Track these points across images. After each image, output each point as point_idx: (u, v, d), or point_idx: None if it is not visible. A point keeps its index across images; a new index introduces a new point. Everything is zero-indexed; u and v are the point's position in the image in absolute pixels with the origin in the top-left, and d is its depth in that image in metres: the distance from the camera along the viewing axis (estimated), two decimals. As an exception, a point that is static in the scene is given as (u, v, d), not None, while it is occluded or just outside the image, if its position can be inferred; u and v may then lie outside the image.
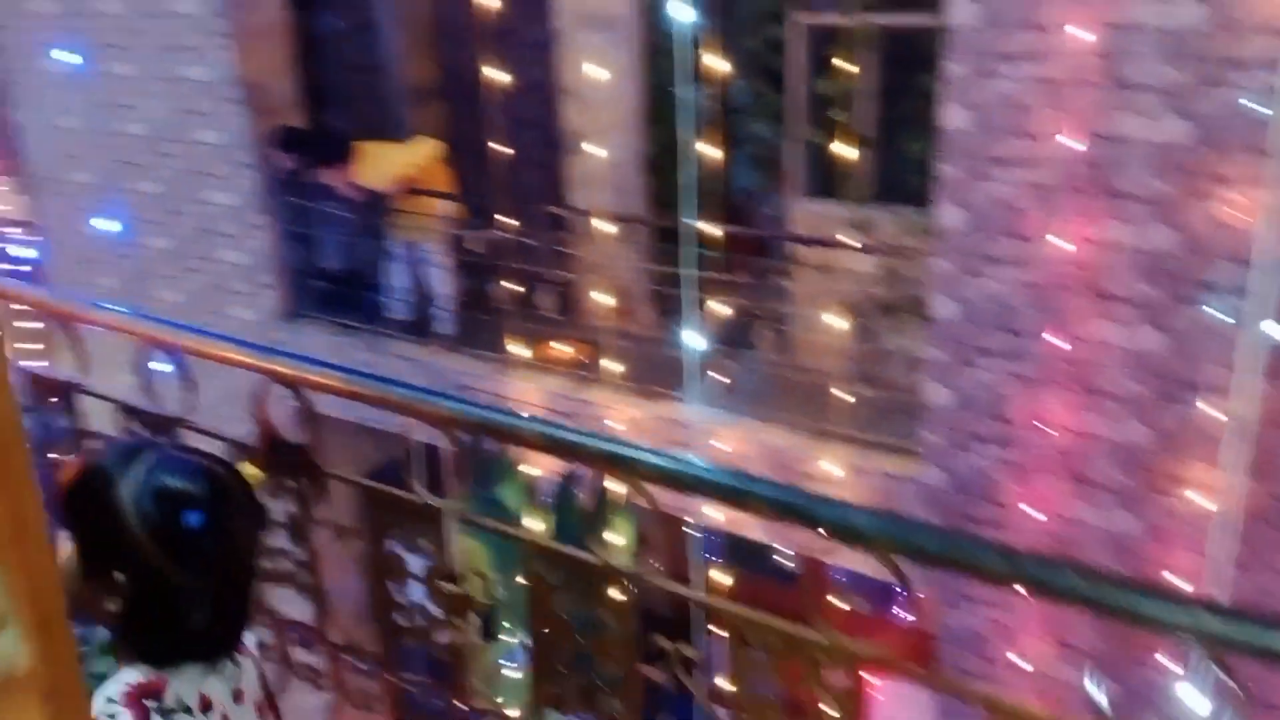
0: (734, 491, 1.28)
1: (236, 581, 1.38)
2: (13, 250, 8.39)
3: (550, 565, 1.53)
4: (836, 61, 5.16)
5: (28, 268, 8.11)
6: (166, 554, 1.28)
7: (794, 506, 1.23)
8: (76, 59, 6.81)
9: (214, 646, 1.36)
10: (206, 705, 1.34)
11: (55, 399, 2.04)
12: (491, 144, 5.35)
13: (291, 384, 1.68)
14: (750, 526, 5.02)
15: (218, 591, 1.33)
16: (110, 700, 1.26)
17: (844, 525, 1.19)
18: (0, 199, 8.04)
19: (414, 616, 1.80)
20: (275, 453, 1.77)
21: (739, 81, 6.15)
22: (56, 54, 6.89)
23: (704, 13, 4.36)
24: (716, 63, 4.65)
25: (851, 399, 4.86)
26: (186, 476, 1.32)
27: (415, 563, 1.78)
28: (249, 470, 1.59)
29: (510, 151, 5.39)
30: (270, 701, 1.47)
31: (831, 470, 4.84)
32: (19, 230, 8.18)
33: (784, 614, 1.36)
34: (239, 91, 6.27)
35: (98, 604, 1.32)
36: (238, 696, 1.38)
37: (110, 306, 1.89)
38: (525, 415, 1.54)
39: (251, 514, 1.41)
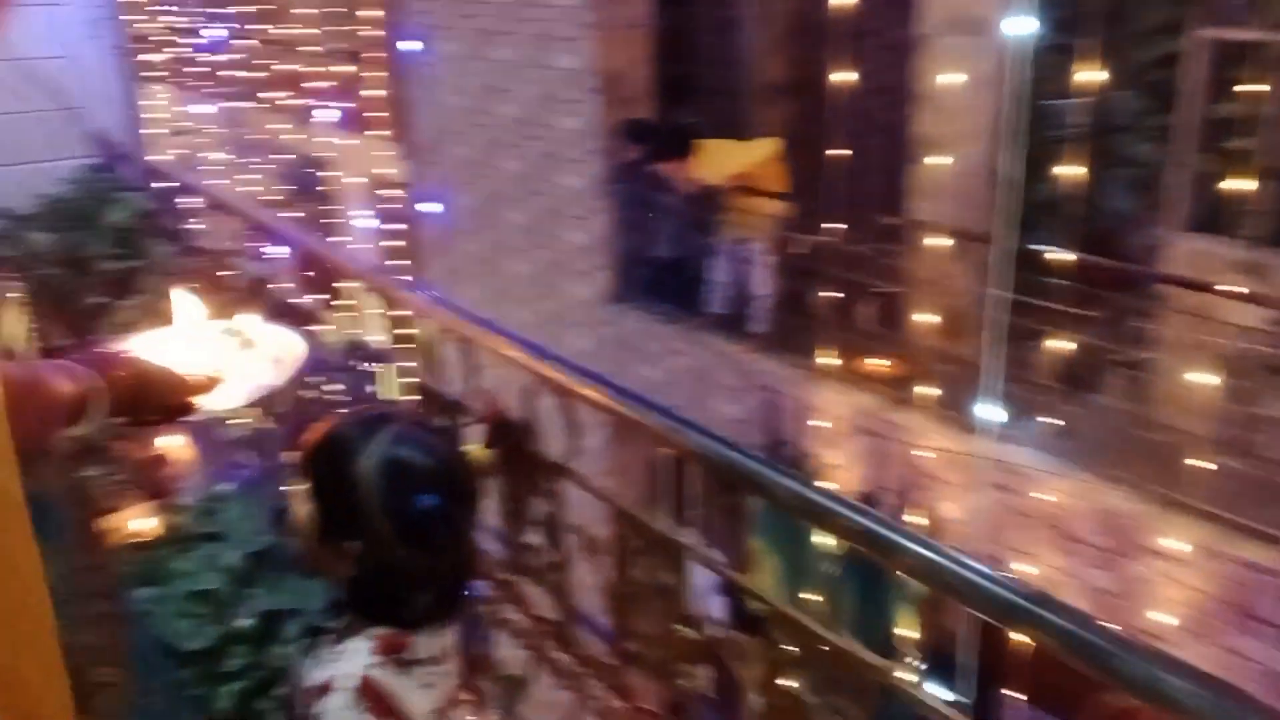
0: (1009, 609, 1.05)
1: (456, 560, 1.38)
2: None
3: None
4: (1242, 82, 4.44)
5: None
6: (396, 530, 1.29)
7: (1088, 647, 0.98)
8: (458, 46, 7.43)
9: (434, 617, 1.36)
10: (442, 658, 1.36)
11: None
12: (832, 147, 5.16)
13: (558, 391, 1.64)
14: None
15: (439, 570, 1.35)
16: (359, 653, 1.30)
17: (1151, 687, 0.93)
18: (389, 163, 9.00)
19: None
20: (503, 436, 1.77)
21: (1118, 97, 5.49)
22: (446, 40, 7.56)
23: (1085, 22, 3.90)
24: (1092, 75, 4.15)
25: (1214, 468, 4.19)
26: (420, 455, 1.34)
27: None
28: (478, 453, 1.59)
29: (850, 155, 5.17)
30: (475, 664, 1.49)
31: (1177, 547, 4.21)
32: (400, 190, 9.14)
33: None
34: (598, 81, 6.55)
35: (332, 566, 1.35)
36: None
37: (422, 290, 1.95)
38: (780, 469, 1.39)
39: (472, 497, 1.42)
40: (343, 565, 1.33)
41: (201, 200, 2.80)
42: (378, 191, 9.97)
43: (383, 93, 8.53)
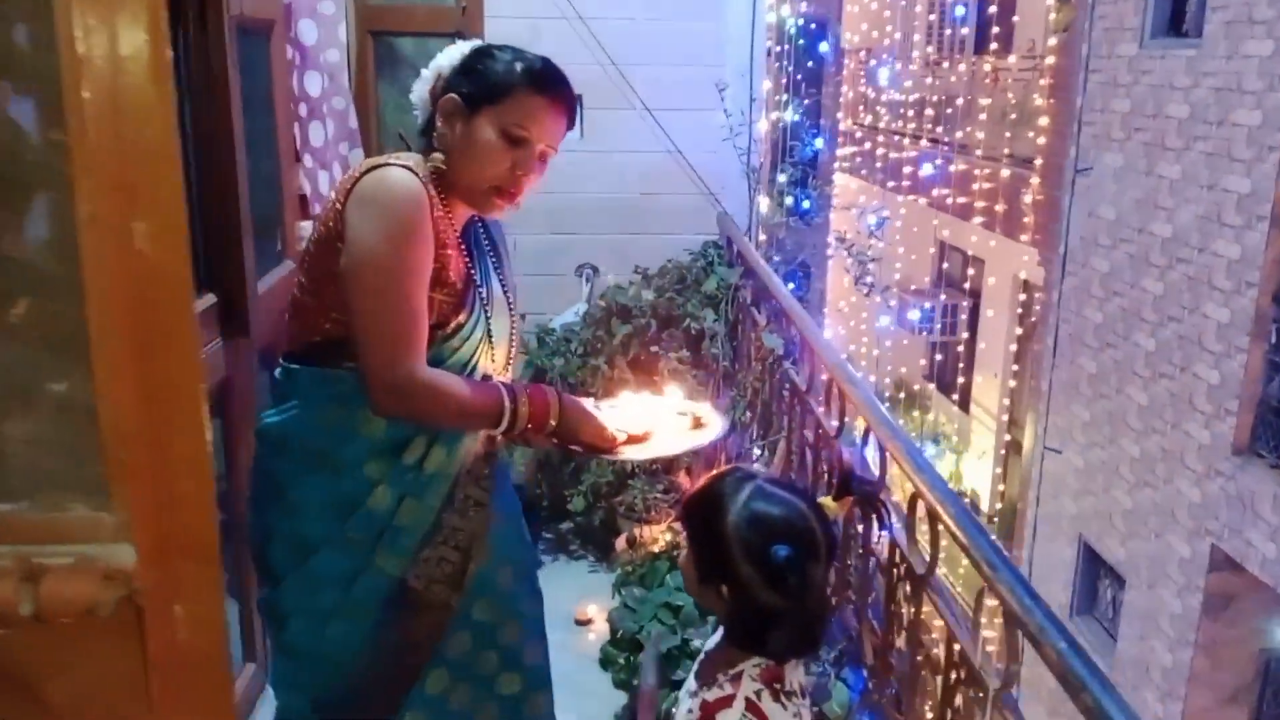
0: None
1: (817, 607, 1.48)
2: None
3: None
4: None
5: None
6: (759, 576, 1.44)
7: None
8: (1120, 158, 7.09)
9: (797, 653, 1.50)
10: (802, 693, 1.51)
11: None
12: None
13: (928, 504, 1.66)
14: None
15: (800, 614, 1.45)
16: (750, 677, 1.47)
17: None
18: (1027, 267, 8.90)
19: None
20: (849, 487, 1.80)
21: None
22: (1109, 151, 7.29)
23: None
24: None
25: None
26: (780, 508, 1.46)
27: None
28: (829, 504, 1.67)
29: None
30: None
31: None
32: (1031, 293, 8.96)
33: None
34: (1270, 208, 5.80)
35: (712, 604, 1.56)
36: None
37: (861, 388, 2.10)
38: None
39: (829, 547, 1.51)
40: (720, 604, 1.54)
41: (757, 279, 3.25)
42: (1017, 295, 9.92)
43: (1038, 198, 8.52)
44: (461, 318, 1.59)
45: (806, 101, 5.26)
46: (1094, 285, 7.61)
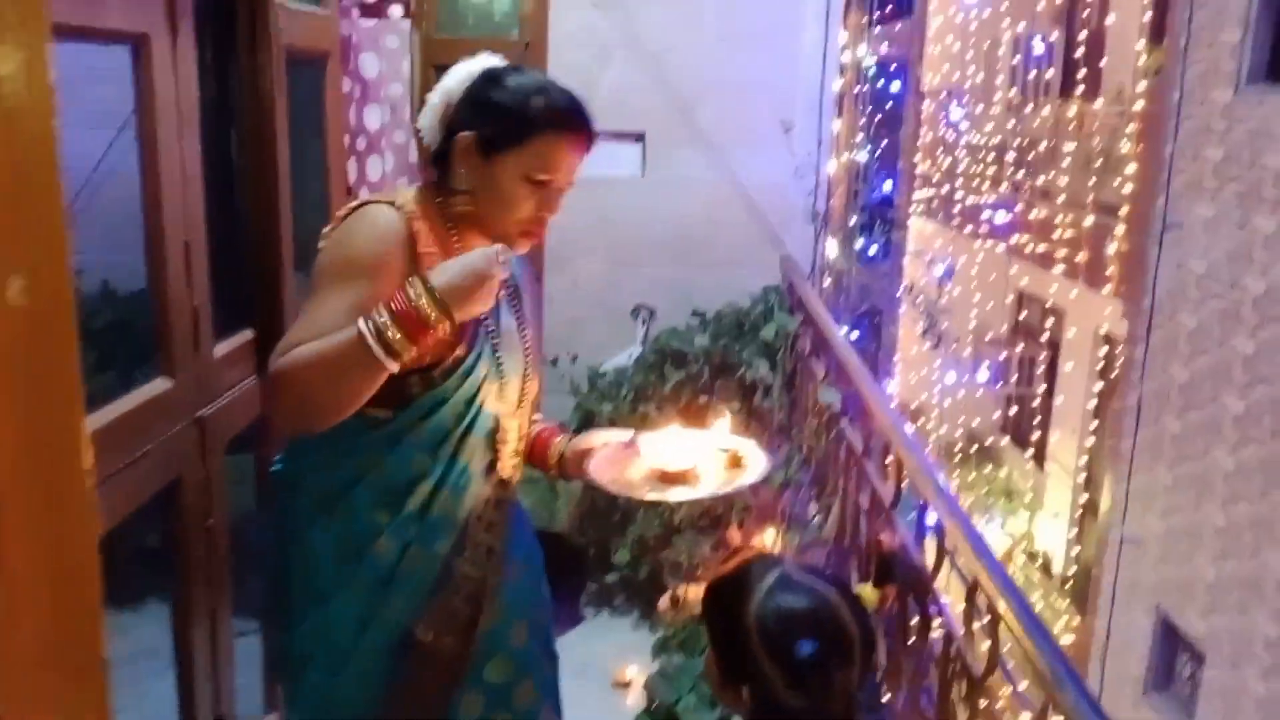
0: None
1: (844, 712, 1.33)
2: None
3: None
4: None
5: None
6: (783, 677, 1.30)
7: None
8: (1211, 209, 6.77)
9: None
10: None
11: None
12: None
13: (988, 597, 1.49)
14: None
15: (827, 713, 1.31)
16: None
17: None
18: (1109, 319, 8.56)
19: None
20: (890, 573, 1.63)
21: None
22: (1199, 202, 6.97)
23: None
24: None
25: None
26: (805, 600, 1.33)
27: None
28: (866, 593, 1.50)
29: None
30: None
31: None
32: (1113, 347, 8.62)
33: None
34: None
35: (734, 704, 1.42)
36: None
37: (921, 457, 1.94)
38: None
39: (865, 642, 1.35)
40: (742, 708, 1.37)
41: (817, 329, 3.09)
42: (1098, 348, 9.54)
43: (1124, 248, 8.18)
44: (460, 352, 1.50)
45: (882, 144, 5.10)
46: (1180, 341, 7.25)
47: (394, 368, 1.37)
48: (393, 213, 1.46)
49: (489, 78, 1.51)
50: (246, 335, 2.25)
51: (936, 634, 1.73)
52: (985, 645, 1.46)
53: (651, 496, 1.59)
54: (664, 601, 3.20)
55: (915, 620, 1.77)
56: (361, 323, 1.34)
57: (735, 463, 1.62)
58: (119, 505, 1.70)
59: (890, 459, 2.07)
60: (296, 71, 2.48)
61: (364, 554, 1.52)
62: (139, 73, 1.81)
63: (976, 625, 1.53)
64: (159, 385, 1.85)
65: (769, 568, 1.37)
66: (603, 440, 1.69)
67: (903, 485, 2.03)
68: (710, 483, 1.58)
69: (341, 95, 3.02)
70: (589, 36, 4.04)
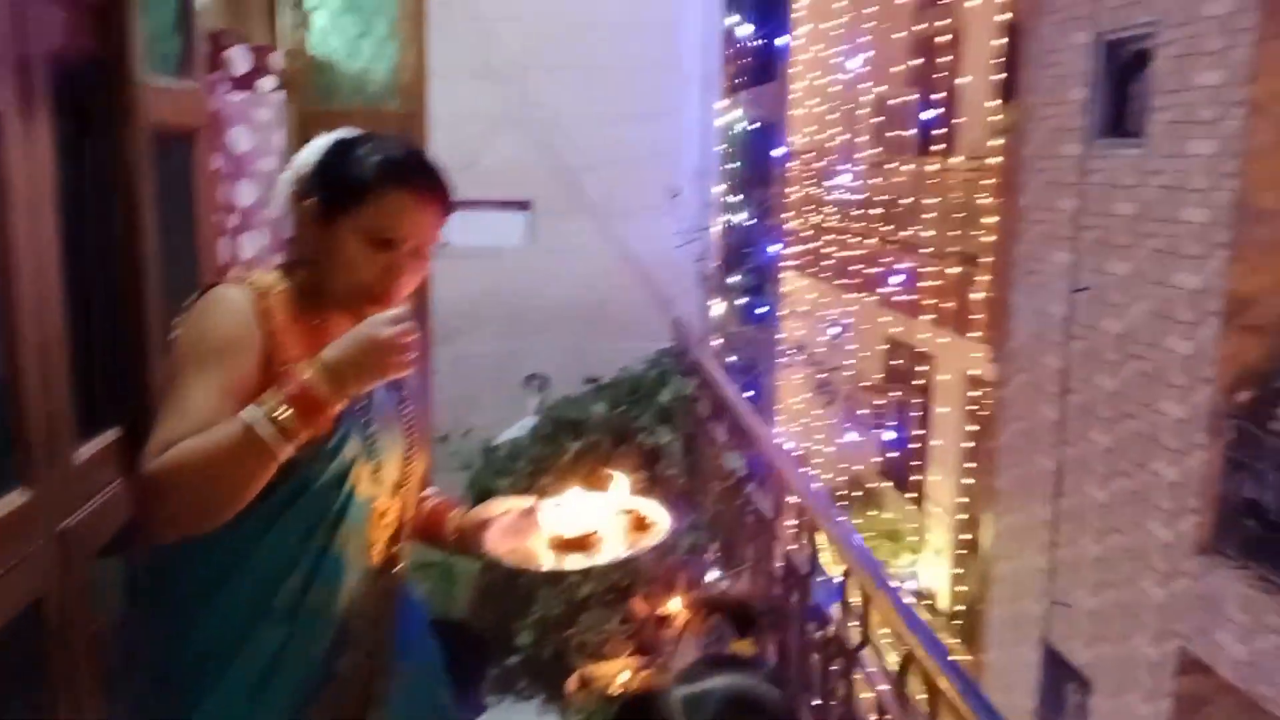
0: None
1: None
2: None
3: None
4: None
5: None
6: None
7: None
8: (1069, 256, 7.17)
9: None
10: None
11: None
12: None
13: (925, 673, 1.47)
14: None
15: None
16: None
17: None
18: (978, 364, 8.91)
19: None
20: (751, 621, 1.60)
21: None
22: (1057, 249, 7.36)
23: None
24: None
25: None
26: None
27: None
28: (744, 646, 1.47)
29: None
30: None
31: None
32: (983, 389, 8.97)
33: None
34: (1222, 304, 5.83)
35: None
36: None
37: (840, 526, 1.92)
38: None
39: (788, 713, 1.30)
40: None
41: (716, 395, 3.09)
42: (969, 391, 9.92)
43: (988, 295, 8.56)
44: (324, 432, 1.39)
45: (760, 205, 5.22)
46: (1047, 382, 7.59)
47: (289, 452, 1.29)
48: (241, 291, 1.41)
49: (338, 145, 1.47)
50: (112, 434, 2.07)
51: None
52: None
53: (548, 567, 1.51)
54: (572, 682, 3.08)
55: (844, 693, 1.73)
56: (248, 412, 1.27)
57: (639, 524, 1.56)
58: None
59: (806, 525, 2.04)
60: (164, 149, 2.34)
61: (235, 657, 1.39)
62: (-9, 155, 1.67)
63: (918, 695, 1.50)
64: (15, 499, 1.67)
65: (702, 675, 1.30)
66: (502, 509, 1.60)
67: (816, 556, 2.01)
68: (613, 547, 1.51)
69: (212, 172, 2.88)
70: (471, 107, 4.01)
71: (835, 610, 1.92)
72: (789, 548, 2.15)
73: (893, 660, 1.63)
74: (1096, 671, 6.89)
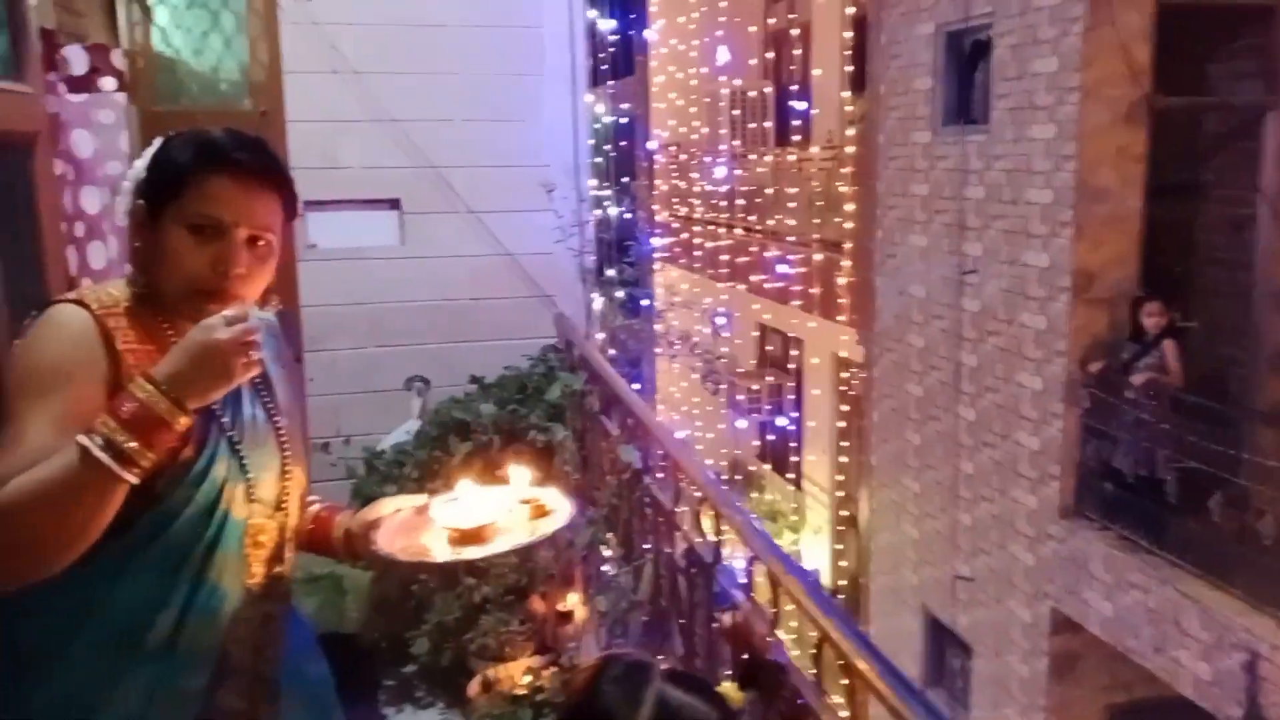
0: None
1: None
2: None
3: None
4: None
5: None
6: None
7: None
8: (925, 240, 7.46)
9: None
10: None
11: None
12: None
13: (841, 654, 1.49)
14: None
15: None
16: None
17: None
18: (846, 346, 9.19)
19: None
20: (756, 675, 1.59)
21: None
22: (914, 234, 7.65)
23: None
24: None
25: None
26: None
27: None
28: (732, 693, 1.44)
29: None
30: None
31: None
32: (853, 370, 9.25)
33: None
34: (1070, 280, 6.16)
35: None
36: None
37: (742, 514, 1.93)
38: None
39: None
40: None
41: (605, 389, 3.08)
42: (840, 373, 10.22)
43: (850, 280, 8.83)
44: (188, 454, 1.31)
45: (632, 198, 5.22)
46: (912, 361, 7.87)
47: (133, 480, 1.20)
48: (79, 312, 1.30)
49: (163, 144, 1.40)
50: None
51: None
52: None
53: (444, 558, 1.45)
54: (474, 686, 3.03)
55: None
56: (83, 438, 1.17)
57: (539, 513, 1.52)
58: None
59: (706, 515, 2.04)
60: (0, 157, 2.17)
61: (95, 713, 1.28)
62: None
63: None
64: None
65: (638, 686, 1.22)
66: (393, 508, 1.53)
67: (720, 545, 2.01)
68: (512, 536, 1.47)
69: (54, 179, 2.68)
70: (328, 107, 3.87)
71: (740, 596, 1.92)
72: (693, 538, 2.15)
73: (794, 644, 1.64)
74: (975, 636, 7.19)
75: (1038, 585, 6.38)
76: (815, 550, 10.82)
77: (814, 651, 1.54)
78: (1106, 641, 5.78)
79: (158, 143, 1.40)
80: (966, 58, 7.27)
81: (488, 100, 4.01)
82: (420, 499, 1.54)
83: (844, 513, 10.09)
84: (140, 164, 1.39)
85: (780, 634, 1.74)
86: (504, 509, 1.49)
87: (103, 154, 3.02)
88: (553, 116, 4.13)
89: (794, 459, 11.14)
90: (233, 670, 1.36)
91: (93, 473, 1.15)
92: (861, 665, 1.36)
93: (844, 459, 9.99)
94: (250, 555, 1.39)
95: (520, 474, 1.57)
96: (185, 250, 1.31)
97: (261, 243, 1.35)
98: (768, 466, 12.20)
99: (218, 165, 1.33)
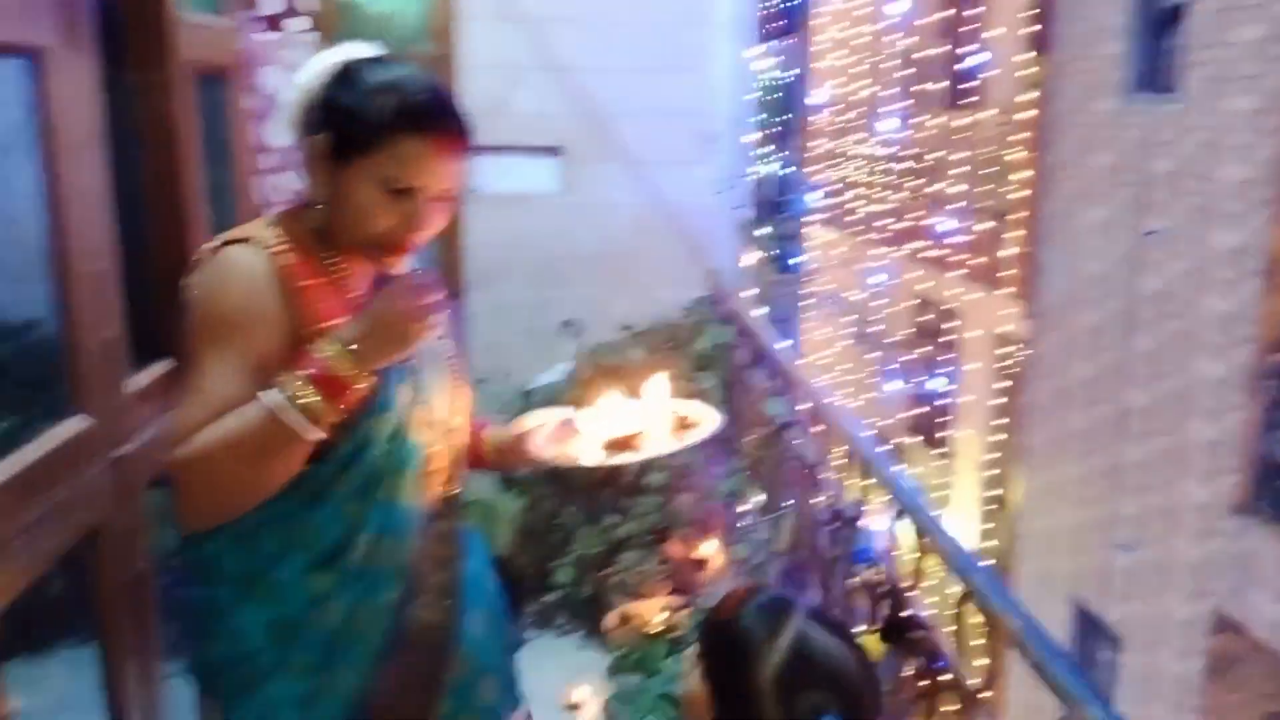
0: None
1: None
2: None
3: None
4: None
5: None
6: None
7: None
8: (1104, 213, 7.06)
9: None
10: None
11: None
12: None
13: (985, 611, 1.45)
14: None
15: None
16: None
17: None
18: (1008, 320, 8.82)
19: None
20: (900, 634, 1.55)
21: None
22: (1091, 206, 7.25)
23: None
24: None
25: None
26: (827, 666, 1.20)
27: None
28: (871, 643, 1.41)
29: None
30: None
31: None
32: (1014, 346, 8.89)
33: None
34: (1262, 262, 5.72)
35: None
36: None
37: (887, 467, 1.90)
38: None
39: (875, 707, 1.25)
40: None
41: (755, 343, 3.07)
42: (999, 348, 9.84)
43: (1017, 251, 8.45)
44: (374, 384, 1.32)
45: (790, 155, 5.15)
46: (1080, 339, 7.51)
47: (320, 435, 1.25)
48: (253, 253, 1.31)
49: (346, 75, 1.33)
50: (163, 366, 2.08)
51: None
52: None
53: (594, 463, 1.48)
54: (610, 619, 3.11)
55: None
56: (269, 396, 1.22)
57: (683, 425, 1.53)
58: (37, 558, 1.53)
59: (847, 468, 2.03)
60: (203, 87, 2.33)
61: (302, 629, 1.35)
62: (38, 90, 1.65)
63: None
64: (75, 425, 1.68)
65: (780, 618, 1.23)
66: (539, 421, 1.56)
67: (865, 499, 1.99)
68: (660, 443, 1.48)
69: (245, 111, 2.86)
70: (501, 52, 3.96)
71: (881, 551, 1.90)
72: (836, 493, 2.14)
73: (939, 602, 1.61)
74: (1128, 629, 6.88)
75: (1200, 582, 6.03)
76: (961, 530, 10.53)
77: (955, 610, 1.51)
78: (1271, 646, 5.42)
79: (331, 63, 1.34)
80: (1160, 22, 6.79)
81: (654, 50, 4.02)
82: (565, 411, 1.56)
83: (994, 492, 9.77)
84: (310, 82, 1.33)
85: (920, 593, 1.72)
86: (651, 418, 1.51)
87: (289, 88, 3.20)
88: (717, 69, 4.11)
89: (945, 434, 10.83)
90: (421, 585, 1.42)
91: (279, 428, 1.21)
92: (1003, 620, 1.33)
93: (998, 437, 9.65)
94: (429, 475, 1.44)
95: (660, 384, 1.57)
96: (372, 205, 1.30)
97: (446, 199, 1.34)
98: (916, 440, 11.91)
99: (417, 130, 1.29)
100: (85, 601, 1.82)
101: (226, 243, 1.33)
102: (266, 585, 1.33)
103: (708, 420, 1.51)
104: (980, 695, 1.43)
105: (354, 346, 1.25)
